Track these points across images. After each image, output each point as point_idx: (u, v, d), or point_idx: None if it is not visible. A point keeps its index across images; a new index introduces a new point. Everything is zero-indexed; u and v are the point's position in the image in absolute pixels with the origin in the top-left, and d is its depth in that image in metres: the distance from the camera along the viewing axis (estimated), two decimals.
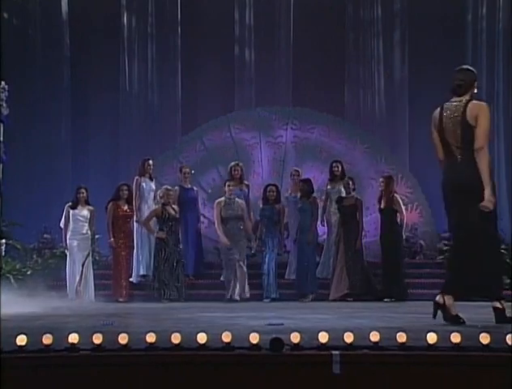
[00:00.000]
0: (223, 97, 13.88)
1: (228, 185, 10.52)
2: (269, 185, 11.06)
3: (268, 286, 10.45)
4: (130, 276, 10.85)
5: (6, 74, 9.38)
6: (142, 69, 13.98)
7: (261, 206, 10.93)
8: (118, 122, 13.80)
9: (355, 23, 13.94)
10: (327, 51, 13.79)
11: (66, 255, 10.78)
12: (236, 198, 10.58)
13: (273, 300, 10.26)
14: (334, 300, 10.36)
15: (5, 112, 8.92)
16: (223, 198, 10.54)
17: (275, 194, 10.73)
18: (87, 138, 13.78)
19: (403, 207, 10.91)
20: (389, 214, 10.70)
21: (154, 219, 10.67)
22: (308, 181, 11.03)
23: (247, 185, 11.45)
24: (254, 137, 13.11)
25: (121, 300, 10.39)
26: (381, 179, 10.95)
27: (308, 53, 13.83)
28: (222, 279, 10.99)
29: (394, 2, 13.85)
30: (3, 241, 9.84)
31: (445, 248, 11.49)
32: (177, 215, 10.60)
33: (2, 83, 8.88)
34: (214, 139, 13.11)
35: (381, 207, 10.76)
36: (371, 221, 11.73)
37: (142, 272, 10.98)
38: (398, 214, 10.71)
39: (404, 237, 11.09)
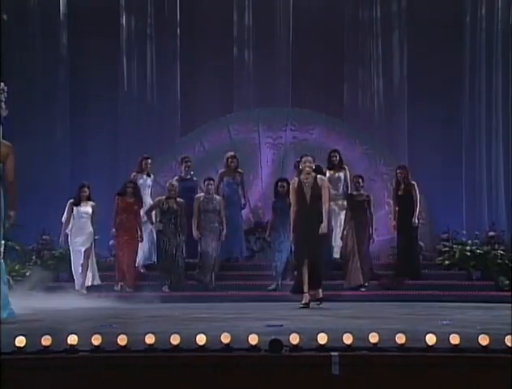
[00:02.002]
0: (222, 98, 13.86)
1: (207, 184, 11.04)
2: (279, 180, 11.15)
3: (278, 274, 10.65)
4: (134, 267, 10.97)
5: (6, 74, 9.35)
6: (141, 69, 13.95)
7: (273, 199, 11.18)
8: (118, 122, 13.78)
9: (354, 23, 13.92)
10: (326, 51, 13.77)
11: (63, 256, 10.91)
12: (215, 195, 11.05)
13: (274, 290, 10.48)
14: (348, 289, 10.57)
15: (4, 113, 8.89)
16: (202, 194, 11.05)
17: (285, 188, 10.81)
18: (86, 138, 13.76)
19: (418, 195, 11.07)
20: (407, 199, 10.99)
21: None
22: (318, 166, 10.96)
23: (240, 173, 11.72)
24: (253, 138, 13.10)
25: (120, 288, 10.58)
26: (398, 170, 11.19)
27: (307, 53, 13.80)
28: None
29: (392, 3, 13.85)
30: (2, 242, 9.80)
31: (443, 249, 11.50)
32: (179, 209, 10.87)
33: (2, 84, 8.84)
34: (213, 140, 13.10)
35: (400, 193, 11.06)
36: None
37: (143, 262, 11.28)
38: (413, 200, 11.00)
39: (417, 224, 11.16)
